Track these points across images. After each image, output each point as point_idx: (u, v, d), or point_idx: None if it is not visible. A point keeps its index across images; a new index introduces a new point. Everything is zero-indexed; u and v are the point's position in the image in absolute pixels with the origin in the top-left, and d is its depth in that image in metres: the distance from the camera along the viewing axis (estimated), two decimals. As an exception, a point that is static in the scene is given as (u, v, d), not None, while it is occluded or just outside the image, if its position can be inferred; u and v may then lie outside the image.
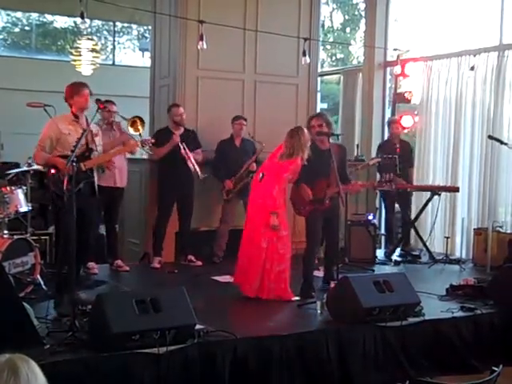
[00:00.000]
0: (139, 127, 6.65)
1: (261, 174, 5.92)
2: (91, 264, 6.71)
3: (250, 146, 7.56)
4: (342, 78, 11.00)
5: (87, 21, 6.38)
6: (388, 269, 7.41)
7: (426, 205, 8.12)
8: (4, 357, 1.75)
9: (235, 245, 7.32)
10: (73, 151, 4.87)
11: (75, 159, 4.75)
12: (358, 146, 9.58)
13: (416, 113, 9.02)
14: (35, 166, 6.57)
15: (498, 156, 7.87)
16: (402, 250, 8.33)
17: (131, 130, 6.62)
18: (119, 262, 6.93)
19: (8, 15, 15.20)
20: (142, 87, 9.32)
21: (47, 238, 6.97)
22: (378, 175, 8.32)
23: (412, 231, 8.38)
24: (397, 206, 8.54)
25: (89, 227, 4.67)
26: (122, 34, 16.71)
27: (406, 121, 8.84)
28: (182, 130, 7.20)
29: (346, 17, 19.73)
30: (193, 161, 7.04)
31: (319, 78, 9.52)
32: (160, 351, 3.98)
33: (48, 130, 5.29)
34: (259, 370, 4.33)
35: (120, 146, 6.36)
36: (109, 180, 6.69)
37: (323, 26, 17.09)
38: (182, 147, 7.02)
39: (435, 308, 5.39)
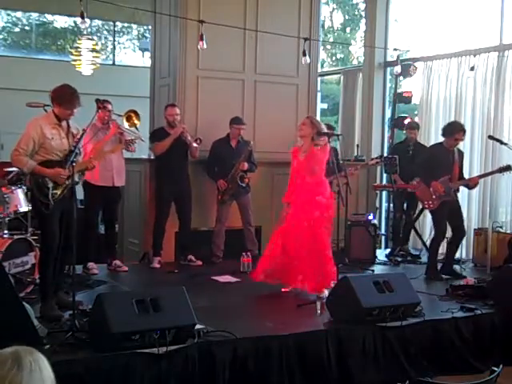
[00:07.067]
0: (135, 121, 6.70)
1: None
2: (91, 264, 6.71)
3: (244, 147, 7.48)
4: (342, 78, 11.01)
5: (87, 21, 6.36)
6: (388, 269, 7.41)
7: (426, 205, 8.10)
8: (11, 348, 1.82)
9: (234, 245, 7.38)
10: (72, 151, 4.87)
11: (75, 160, 4.76)
12: (358, 146, 9.58)
13: (416, 113, 9.01)
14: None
15: (498, 156, 7.87)
16: (399, 250, 8.31)
17: (127, 125, 6.66)
18: (117, 262, 6.92)
19: (8, 15, 15.20)
20: (142, 87, 9.33)
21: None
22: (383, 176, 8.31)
23: (412, 231, 8.38)
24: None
25: (71, 230, 4.66)
26: (122, 34, 16.70)
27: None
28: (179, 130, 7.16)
29: (346, 17, 19.73)
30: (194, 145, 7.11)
31: (319, 78, 9.53)
32: (160, 351, 3.97)
33: (32, 132, 4.90)
34: (259, 370, 4.33)
35: (117, 143, 6.45)
36: (107, 179, 6.70)
37: (323, 25, 17.10)
38: (185, 137, 7.06)
39: (435, 308, 5.40)
